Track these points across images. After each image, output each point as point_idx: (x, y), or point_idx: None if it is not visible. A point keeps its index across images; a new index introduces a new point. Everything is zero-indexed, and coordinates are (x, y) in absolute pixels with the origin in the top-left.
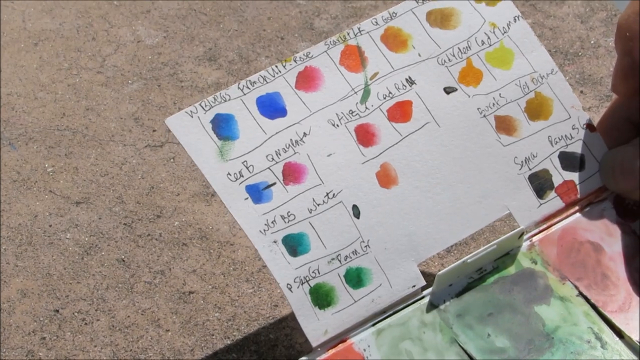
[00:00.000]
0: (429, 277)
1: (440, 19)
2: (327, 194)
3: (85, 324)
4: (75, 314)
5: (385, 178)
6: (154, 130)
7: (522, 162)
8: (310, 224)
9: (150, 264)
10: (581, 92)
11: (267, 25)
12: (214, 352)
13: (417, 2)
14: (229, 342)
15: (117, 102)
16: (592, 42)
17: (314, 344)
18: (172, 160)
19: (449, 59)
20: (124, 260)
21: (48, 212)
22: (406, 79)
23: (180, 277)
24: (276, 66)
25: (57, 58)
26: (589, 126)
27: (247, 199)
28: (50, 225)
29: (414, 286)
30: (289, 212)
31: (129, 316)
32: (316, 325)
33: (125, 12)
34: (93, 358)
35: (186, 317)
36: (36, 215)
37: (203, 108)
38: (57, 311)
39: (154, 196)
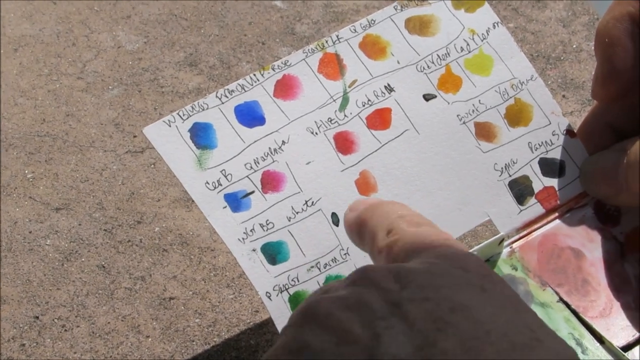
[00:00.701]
0: None
1: (419, 26)
2: (306, 202)
3: (65, 330)
4: (55, 320)
5: (365, 186)
6: (135, 136)
7: (502, 168)
8: (290, 232)
9: (131, 270)
10: (563, 96)
11: (248, 31)
12: (194, 358)
13: (396, 10)
14: (209, 348)
15: (97, 108)
16: (574, 46)
17: None
18: (152, 166)
19: (427, 66)
20: (104, 267)
21: (28, 218)
22: (385, 87)
23: (160, 283)
24: (254, 74)
25: (37, 64)
26: (569, 132)
27: (225, 207)
28: (30, 232)
29: None
30: (267, 220)
31: (109, 322)
32: None
33: (105, 18)
34: None
35: (166, 323)
36: (16, 221)
37: (181, 117)
38: (37, 317)
39: (134, 202)
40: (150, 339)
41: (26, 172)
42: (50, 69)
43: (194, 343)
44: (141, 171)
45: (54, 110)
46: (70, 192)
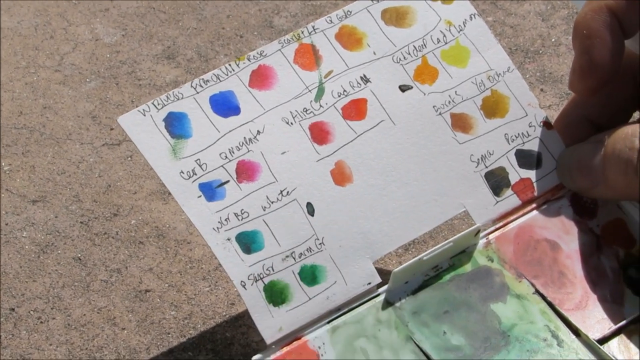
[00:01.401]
0: (386, 275)
1: (396, 17)
2: (281, 191)
3: (41, 322)
4: (31, 312)
5: (340, 176)
6: (112, 129)
7: (478, 159)
8: (264, 221)
9: (107, 263)
10: (541, 90)
11: (226, 24)
12: (169, 350)
13: (372, 1)
14: (185, 340)
15: (74, 101)
16: (553, 40)
17: (268, 341)
18: (129, 158)
19: (404, 57)
20: (80, 259)
21: (4, 210)
22: (361, 77)
23: (136, 276)
24: (229, 65)
25: (14, 56)
26: (546, 124)
27: (200, 196)
28: (7, 224)
29: (369, 283)
30: (242, 209)
31: (84, 315)
32: (270, 323)
33: (83, 11)
34: (48, 357)
35: (142, 316)
36: None
37: (156, 107)
38: (13, 310)
39: (110, 194)
40: (125, 331)
41: (3, 164)
42: (28, 62)
43: (169, 335)
44: (118, 164)
45: (31, 102)
46: (47, 185)
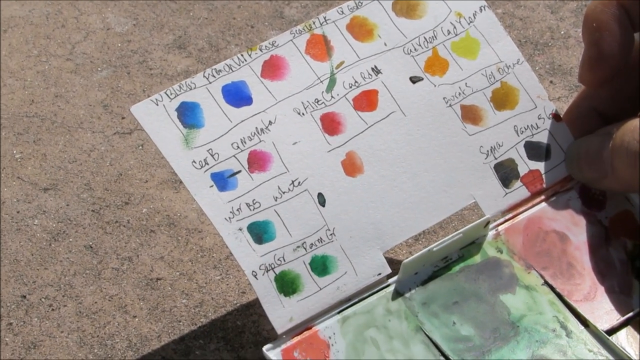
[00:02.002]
0: (396, 265)
1: (407, 8)
2: (293, 182)
3: (52, 309)
4: (42, 299)
5: (351, 167)
6: (123, 118)
7: (487, 151)
8: (276, 211)
9: (118, 251)
10: (551, 82)
11: (237, 14)
12: (181, 338)
13: None
14: (196, 328)
15: (86, 89)
16: (562, 32)
17: (279, 331)
18: (140, 147)
19: (414, 49)
20: (91, 247)
21: (16, 198)
22: (372, 68)
23: (147, 264)
24: (242, 55)
25: (26, 45)
26: (555, 116)
27: (212, 186)
28: (18, 212)
29: (379, 274)
30: (254, 199)
31: (96, 302)
32: (281, 313)
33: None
34: (59, 344)
35: (153, 304)
36: (4, 201)
37: (168, 96)
38: (24, 297)
39: (122, 183)
40: (137, 319)
41: (14, 152)
42: (40, 50)
43: (180, 323)
44: (129, 152)
45: (42, 91)
46: (59, 173)
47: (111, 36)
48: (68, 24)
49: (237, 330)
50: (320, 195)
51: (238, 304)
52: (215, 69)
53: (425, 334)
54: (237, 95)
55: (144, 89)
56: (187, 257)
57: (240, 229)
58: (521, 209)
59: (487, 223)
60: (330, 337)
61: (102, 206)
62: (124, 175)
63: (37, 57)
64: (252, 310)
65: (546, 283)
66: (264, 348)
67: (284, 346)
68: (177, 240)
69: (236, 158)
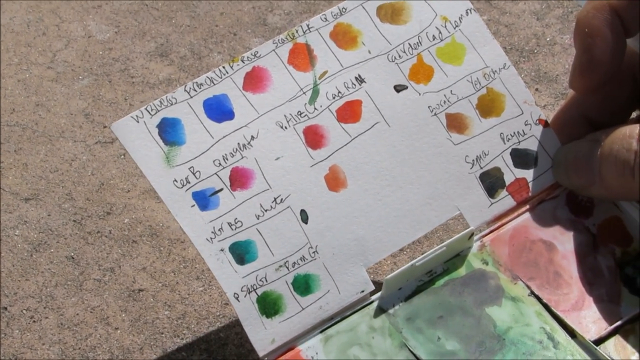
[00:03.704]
0: (381, 276)
1: (391, 13)
2: (275, 199)
3: (34, 321)
4: (24, 311)
5: (334, 181)
6: (105, 127)
7: (473, 160)
8: (258, 230)
9: (100, 262)
10: (536, 89)
11: (220, 21)
12: (163, 350)
13: None
14: (178, 340)
15: (67, 98)
16: (548, 39)
17: (260, 353)
18: (122, 156)
19: (399, 56)
20: (73, 258)
21: None
22: (356, 78)
23: (129, 275)
24: (223, 67)
25: (7, 53)
26: (542, 121)
27: (193, 206)
28: None
29: (362, 291)
30: (236, 218)
31: (77, 314)
32: (263, 335)
33: (76, 7)
34: (41, 356)
35: (135, 315)
36: None
37: (149, 112)
38: (5, 309)
39: (104, 193)
40: (119, 331)
41: None
42: (20, 59)
43: (163, 335)
44: (111, 162)
45: (23, 100)
46: (40, 183)
47: (92, 44)
48: (49, 31)
49: (220, 342)
50: (303, 212)
51: (221, 316)
52: (196, 82)
53: (410, 350)
54: (218, 110)
55: (126, 97)
56: (169, 268)
57: (222, 250)
58: (507, 219)
59: (472, 235)
60: (313, 357)
61: (83, 216)
62: (106, 185)
63: (17, 66)
64: (235, 322)
65: (533, 294)
66: None
67: None
68: (159, 251)
69: (218, 176)
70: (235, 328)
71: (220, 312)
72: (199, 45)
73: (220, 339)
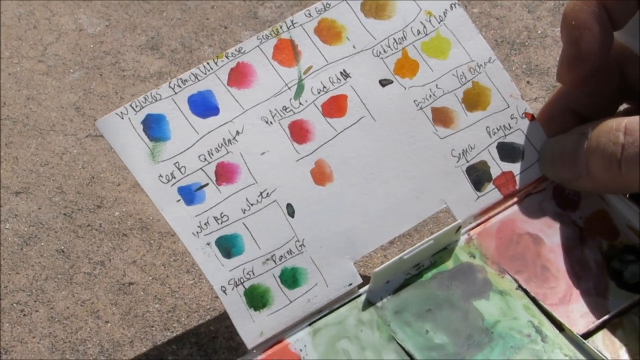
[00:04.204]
0: (371, 269)
1: (375, 8)
2: (261, 193)
3: (24, 315)
4: (14, 304)
5: (320, 175)
6: (95, 120)
7: (459, 154)
8: (244, 224)
9: (90, 255)
10: (528, 82)
11: (211, 14)
12: (153, 343)
13: None
14: (169, 333)
15: (58, 92)
16: (539, 32)
17: (249, 346)
18: (113, 150)
19: (384, 50)
20: (63, 251)
21: None
22: (341, 72)
23: (120, 268)
24: (208, 63)
25: None
26: (528, 115)
27: (179, 200)
28: None
29: (350, 284)
30: (222, 213)
31: (68, 307)
32: (251, 327)
33: (67, 0)
34: (31, 349)
35: (126, 309)
36: None
37: (134, 109)
38: None
39: (94, 186)
40: (109, 324)
41: None
42: (11, 52)
43: (153, 329)
44: (102, 155)
45: (14, 93)
46: (30, 176)
47: (83, 37)
48: (40, 25)
49: (210, 336)
50: (289, 206)
51: (211, 309)
52: (180, 78)
53: (398, 343)
54: (203, 106)
55: (117, 91)
56: (159, 261)
57: (208, 244)
58: (493, 212)
59: (459, 228)
60: (301, 350)
61: (74, 210)
62: (96, 179)
63: (8, 59)
64: (226, 315)
65: (520, 287)
66: None
67: None
68: (149, 244)
69: (203, 170)
70: (225, 321)
71: (211, 305)
72: (190, 38)
73: (211, 332)
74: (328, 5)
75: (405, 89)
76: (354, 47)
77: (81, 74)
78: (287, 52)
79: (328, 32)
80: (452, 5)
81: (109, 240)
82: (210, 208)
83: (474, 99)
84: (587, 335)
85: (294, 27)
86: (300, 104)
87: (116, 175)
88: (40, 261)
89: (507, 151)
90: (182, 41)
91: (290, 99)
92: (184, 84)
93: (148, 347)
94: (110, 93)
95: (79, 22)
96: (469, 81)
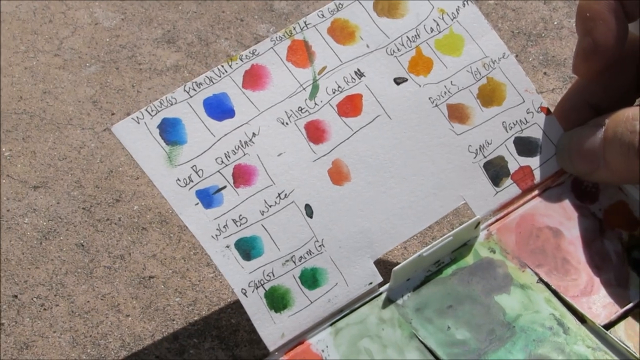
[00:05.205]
0: (391, 262)
1: (388, 7)
2: (279, 194)
3: (44, 309)
4: (34, 299)
5: (337, 175)
6: (113, 114)
7: (476, 150)
8: (263, 226)
9: (110, 249)
10: (545, 73)
11: (227, 7)
12: (174, 337)
13: None
14: (190, 327)
15: (74, 85)
16: (555, 23)
17: (270, 348)
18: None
19: (398, 49)
20: (83, 245)
21: (5, 196)
22: (355, 72)
23: (140, 262)
24: (222, 66)
25: (13, 41)
26: (544, 109)
27: (197, 204)
28: (8, 210)
29: (370, 283)
30: (240, 215)
31: (88, 301)
32: (273, 329)
33: None
34: (52, 344)
35: (146, 302)
36: None
37: (149, 113)
38: (16, 297)
39: (113, 180)
40: (130, 318)
41: (3, 150)
42: (27, 46)
43: (174, 322)
44: (119, 149)
45: (30, 87)
46: (48, 170)
47: (99, 31)
48: (55, 19)
49: (232, 329)
50: (307, 207)
51: (232, 302)
52: (195, 82)
53: (420, 340)
54: (219, 108)
55: (133, 84)
56: (179, 254)
57: (227, 246)
58: (512, 207)
59: (478, 224)
60: (323, 350)
61: (92, 204)
62: (115, 172)
63: (24, 53)
64: None
65: (541, 280)
66: None
67: None
68: (169, 238)
69: (221, 173)
70: (246, 314)
71: (232, 298)
72: (206, 31)
73: (232, 325)
74: (341, 6)
75: (420, 86)
76: (367, 46)
77: (97, 68)
78: (301, 53)
79: (341, 32)
80: (465, 2)
81: (128, 234)
82: (229, 210)
83: (489, 95)
84: (609, 326)
85: (308, 28)
86: (316, 104)
87: (134, 169)
88: (59, 255)
89: (524, 145)
90: (198, 34)
91: (306, 99)
92: (199, 87)
93: (169, 341)
94: (127, 86)
95: (94, 16)
96: (483, 77)
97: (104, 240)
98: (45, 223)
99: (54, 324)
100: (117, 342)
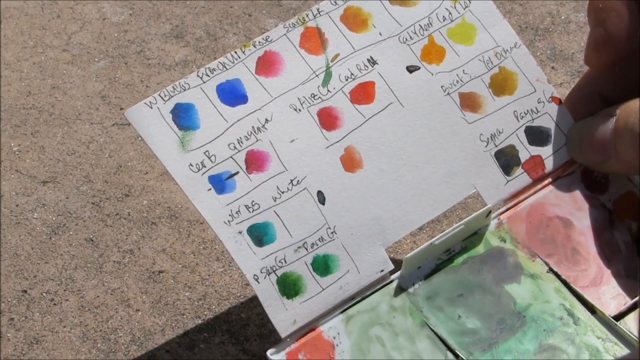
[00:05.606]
0: (401, 255)
1: None
2: (292, 180)
3: (54, 304)
4: (44, 294)
5: (350, 162)
6: (121, 109)
7: (487, 139)
8: (275, 212)
9: (119, 244)
10: (552, 67)
11: (235, 2)
12: (185, 331)
13: None
14: (200, 321)
15: (83, 80)
16: (562, 17)
17: (282, 334)
18: (139, 138)
19: (410, 37)
20: (92, 240)
21: (14, 191)
22: (368, 59)
23: (149, 257)
24: (235, 52)
25: (21, 36)
26: (555, 99)
27: (210, 189)
28: (17, 205)
29: (382, 271)
30: (253, 201)
31: (98, 296)
32: (284, 316)
33: None
34: (62, 338)
35: (156, 297)
36: (3, 195)
37: (162, 98)
38: (25, 292)
39: (122, 175)
40: (140, 313)
41: (12, 145)
42: (35, 41)
43: (184, 317)
44: (128, 144)
45: (39, 82)
46: (57, 165)
47: (107, 26)
48: (63, 14)
49: (242, 323)
50: (319, 193)
51: (242, 296)
52: (209, 67)
53: (431, 328)
54: (232, 94)
55: (142, 79)
56: (189, 249)
57: (240, 232)
58: (523, 197)
59: (489, 213)
60: (334, 337)
61: (102, 199)
62: (124, 167)
63: (33, 48)
64: (257, 302)
65: (551, 270)
66: (268, 352)
67: (288, 349)
68: (178, 232)
69: (233, 159)
70: (256, 308)
71: (241, 292)
72: (214, 26)
73: (242, 319)
74: None
75: (432, 74)
76: (380, 34)
77: (106, 63)
78: (314, 40)
79: (354, 20)
80: None
81: (137, 229)
82: (241, 196)
83: (501, 84)
84: (619, 316)
85: (320, 15)
86: (329, 91)
87: (143, 164)
88: (69, 250)
89: (535, 135)
90: (206, 29)
91: (318, 86)
92: (212, 73)
93: (179, 335)
94: (136, 81)
95: (102, 11)
96: (495, 66)
97: (114, 235)
98: (54, 218)
99: (63, 318)
100: (127, 336)
